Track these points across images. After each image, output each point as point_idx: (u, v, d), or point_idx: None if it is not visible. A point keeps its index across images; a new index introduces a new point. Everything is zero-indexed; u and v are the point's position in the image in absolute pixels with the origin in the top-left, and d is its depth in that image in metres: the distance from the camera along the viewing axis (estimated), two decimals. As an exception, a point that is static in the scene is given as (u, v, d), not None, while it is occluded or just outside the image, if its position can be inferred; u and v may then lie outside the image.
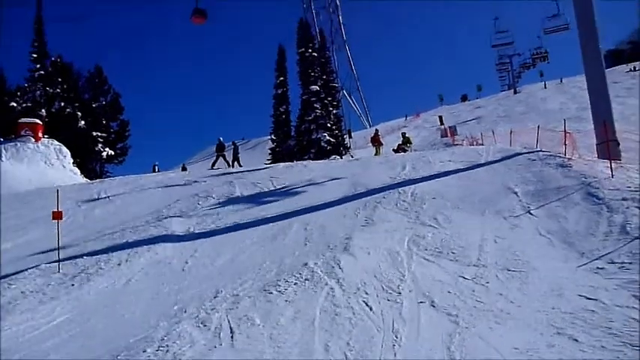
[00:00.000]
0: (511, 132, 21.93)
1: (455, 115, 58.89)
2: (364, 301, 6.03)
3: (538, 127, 17.67)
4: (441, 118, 54.08)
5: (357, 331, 5.27)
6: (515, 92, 67.28)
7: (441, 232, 8.70)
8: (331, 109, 45.15)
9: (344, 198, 12.12)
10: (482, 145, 22.14)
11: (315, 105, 42.83)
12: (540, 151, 14.07)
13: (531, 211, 9.36)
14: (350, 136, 53.11)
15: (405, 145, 25.54)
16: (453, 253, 7.70)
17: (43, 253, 10.02)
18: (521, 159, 13.21)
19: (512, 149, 15.78)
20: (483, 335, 5.06)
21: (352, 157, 16.69)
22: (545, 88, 62.50)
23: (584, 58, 14.03)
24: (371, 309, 5.81)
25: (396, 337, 5.08)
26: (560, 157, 12.64)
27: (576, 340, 4.79)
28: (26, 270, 8.83)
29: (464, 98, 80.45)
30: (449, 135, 40.74)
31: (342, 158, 36.30)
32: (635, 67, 55.10)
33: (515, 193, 10.57)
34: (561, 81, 64.39)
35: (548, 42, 61.94)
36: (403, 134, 28.84)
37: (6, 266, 9.45)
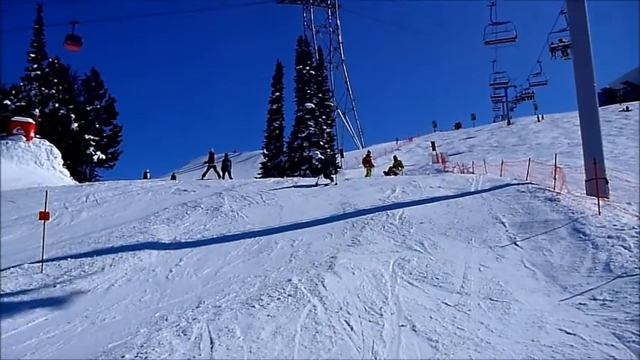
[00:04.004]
0: (502, 163, 22.06)
1: (447, 142, 59.25)
2: (346, 321, 6.03)
3: (529, 159, 17.85)
4: (433, 143, 54.31)
5: (337, 349, 5.27)
6: (508, 123, 67.90)
7: (426, 257, 8.73)
8: (325, 127, 45.35)
9: (332, 217, 12.16)
10: (473, 173, 22.24)
11: (309, 122, 42.99)
12: (530, 183, 14.19)
13: (517, 243, 9.42)
14: (342, 156, 53.28)
15: (396, 168, 25.67)
16: (437, 278, 7.72)
17: (26, 252, 9.94)
18: (510, 190, 13.31)
19: (503, 180, 15.89)
20: (462, 362, 5.07)
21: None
22: (539, 121, 63.17)
23: (579, 95, 14.19)
24: (352, 329, 5.81)
25: (375, 359, 5.08)
26: (549, 190, 12.75)
27: (554, 373, 4.80)
28: (8, 269, 8.75)
29: (457, 126, 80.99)
30: (440, 161, 40.85)
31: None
32: (627, 107, 55.84)
33: (503, 223, 10.64)
34: (543, 117, 65.51)
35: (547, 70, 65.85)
36: (395, 157, 29.03)
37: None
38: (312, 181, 18.28)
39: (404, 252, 9.08)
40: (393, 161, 27.36)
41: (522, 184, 14.20)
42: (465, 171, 27.51)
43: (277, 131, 46.78)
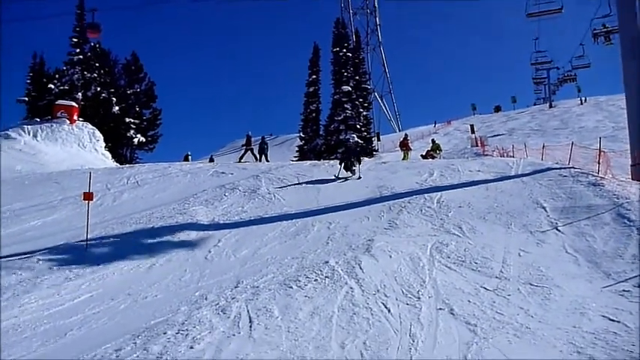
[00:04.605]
0: (543, 146, 21.53)
1: (487, 125, 58.14)
2: (383, 303, 6.03)
3: (572, 143, 17.37)
4: (472, 127, 53.29)
5: (374, 331, 5.28)
6: (550, 106, 66.08)
7: (464, 242, 8.65)
8: (362, 110, 44.89)
9: (368, 200, 12.13)
10: (513, 157, 21.80)
11: (345, 105, 42.61)
12: (572, 167, 13.83)
13: (559, 228, 9.23)
14: (378, 139, 52.89)
15: (434, 151, 25.34)
16: (475, 263, 7.65)
17: (71, 232, 10.25)
18: (552, 174, 13.00)
19: (544, 164, 15.53)
20: (501, 347, 5.02)
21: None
22: (582, 104, 61.31)
23: (625, 77, 13.76)
24: (389, 311, 5.81)
25: (413, 341, 5.08)
26: (592, 175, 12.41)
27: (596, 361, 4.72)
28: (55, 247, 9.05)
29: (497, 109, 79.22)
30: (479, 145, 40.15)
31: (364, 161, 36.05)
32: (676, 90, 53.54)
33: (544, 208, 10.43)
34: (586, 100, 63.27)
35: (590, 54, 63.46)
36: (433, 140, 28.66)
37: (35, 241, 9.72)
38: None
39: (442, 236, 9.01)
40: (431, 144, 27.01)
41: (564, 168, 13.85)
42: (505, 155, 27.01)
43: (314, 114, 46.54)
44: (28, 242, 9.80)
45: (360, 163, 15.57)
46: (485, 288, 6.68)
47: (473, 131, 50.31)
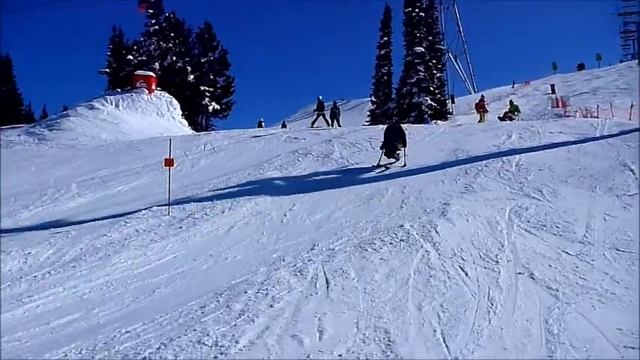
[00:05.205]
0: (632, 106, 20.27)
1: (569, 84, 54.97)
2: (460, 267, 5.96)
3: (663, 101, 16.23)
4: (553, 86, 50.70)
5: (451, 294, 5.24)
6: None
7: (545, 205, 8.35)
8: (435, 72, 43.73)
9: (443, 163, 11.92)
10: (598, 118, 20.66)
11: (418, 67, 41.66)
12: (664, 127, 12.97)
13: (648, 191, 8.72)
14: (453, 102, 51.48)
15: (512, 113, 24.46)
16: (557, 227, 7.38)
17: (154, 196, 10.76)
18: (641, 135, 12.26)
19: (632, 124, 14.66)
20: (584, 313, 4.85)
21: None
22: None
23: None
24: (467, 274, 5.73)
25: (491, 305, 5.00)
26: (686, 134, 11.60)
27: (689, 329, 4.48)
28: (140, 211, 9.55)
29: (580, 67, 74.67)
30: (560, 105, 38.24)
31: (439, 123, 35.24)
32: None
33: (632, 170, 9.88)
34: None
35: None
36: (511, 102, 27.66)
37: (122, 205, 10.30)
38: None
39: (521, 199, 8.74)
40: (508, 106, 26.05)
41: (655, 127, 13.01)
42: (589, 115, 25.69)
43: (385, 77, 45.84)
44: (115, 206, 10.40)
45: (405, 146, 12.82)
46: (567, 253, 6.45)
47: (553, 91, 47.92)
